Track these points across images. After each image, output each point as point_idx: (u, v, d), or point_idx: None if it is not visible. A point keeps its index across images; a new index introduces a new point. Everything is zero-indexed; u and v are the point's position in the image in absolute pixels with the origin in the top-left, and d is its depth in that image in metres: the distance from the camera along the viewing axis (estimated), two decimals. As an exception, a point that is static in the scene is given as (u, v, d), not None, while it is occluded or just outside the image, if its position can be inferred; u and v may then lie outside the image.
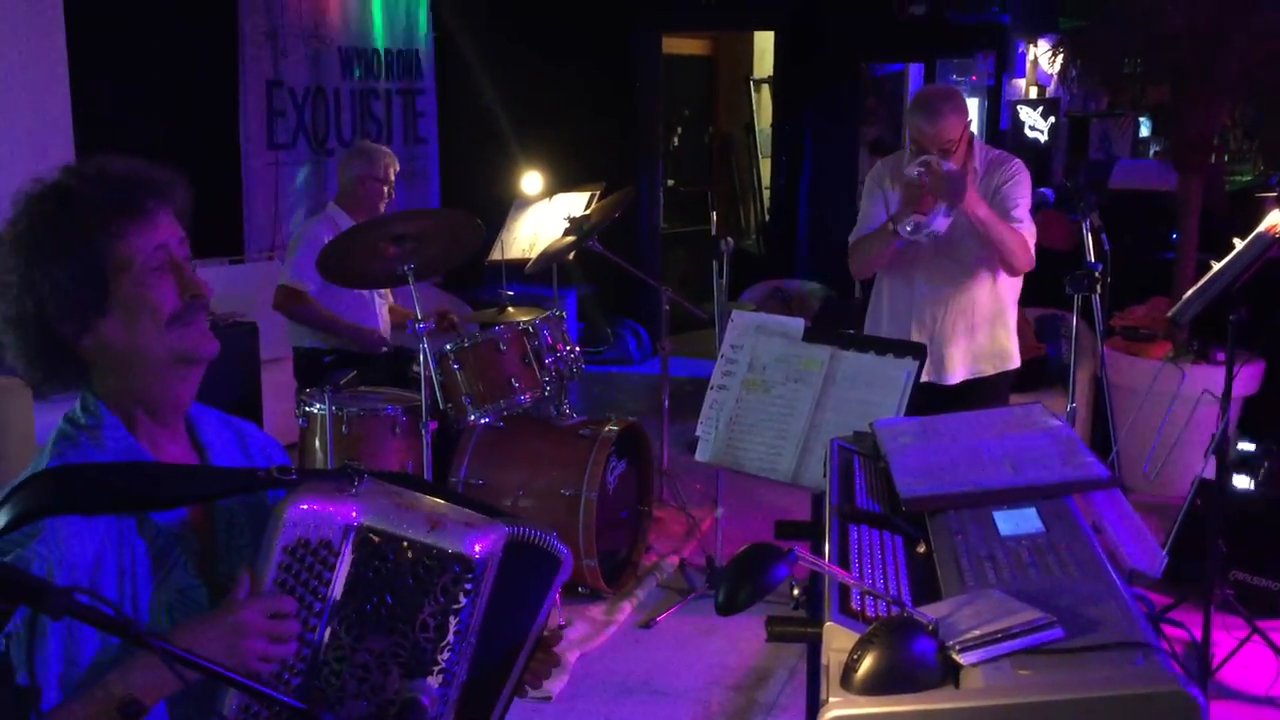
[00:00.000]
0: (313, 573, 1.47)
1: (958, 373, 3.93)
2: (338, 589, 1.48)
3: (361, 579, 1.48)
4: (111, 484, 1.46)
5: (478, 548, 1.50)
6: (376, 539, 1.48)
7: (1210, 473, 3.88)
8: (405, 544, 1.49)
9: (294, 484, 1.51)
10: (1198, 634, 3.52)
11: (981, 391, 3.91)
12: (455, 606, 1.50)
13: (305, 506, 1.46)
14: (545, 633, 1.76)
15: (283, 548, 1.46)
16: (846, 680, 1.34)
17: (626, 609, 4.38)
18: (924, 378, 3.83)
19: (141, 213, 1.52)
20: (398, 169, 4.95)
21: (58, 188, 1.52)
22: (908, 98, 8.97)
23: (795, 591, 1.53)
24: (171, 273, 1.54)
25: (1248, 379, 5.25)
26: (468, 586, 1.50)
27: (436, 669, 1.50)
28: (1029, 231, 3.86)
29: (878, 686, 1.31)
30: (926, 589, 1.60)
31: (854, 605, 1.50)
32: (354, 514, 1.48)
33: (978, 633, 1.35)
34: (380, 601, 1.49)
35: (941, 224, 3.64)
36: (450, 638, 1.50)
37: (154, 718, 1.45)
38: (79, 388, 1.57)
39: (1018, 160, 3.97)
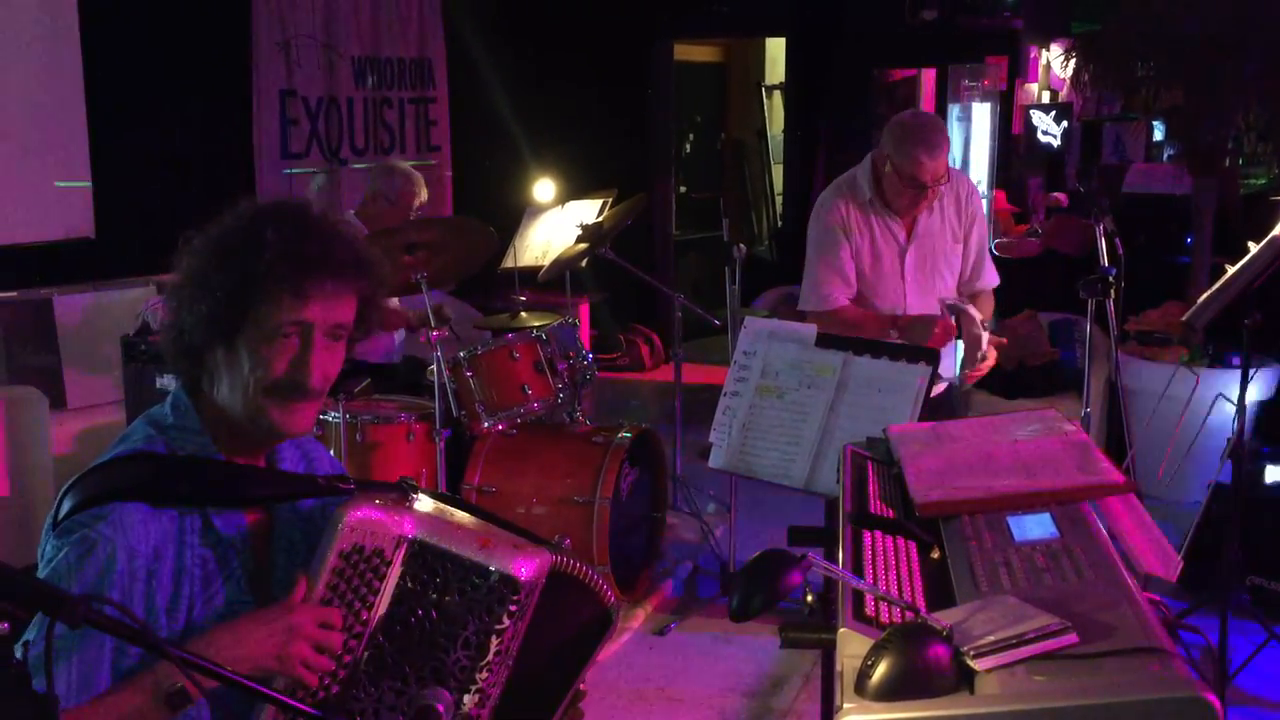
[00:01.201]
0: (363, 580, 1.50)
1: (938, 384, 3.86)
2: (385, 599, 1.51)
3: (409, 591, 1.51)
4: (180, 475, 1.52)
5: (524, 570, 1.53)
6: (427, 553, 1.51)
7: (1226, 477, 3.86)
8: (454, 560, 1.51)
9: (351, 493, 1.54)
10: (1214, 639, 3.50)
11: (952, 396, 3.86)
12: (498, 627, 1.52)
13: (363, 514, 1.49)
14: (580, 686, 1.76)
15: (339, 552, 1.48)
16: (861, 686, 1.33)
17: (640, 616, 4.38)
18: None
19: (299, 292, 1.56)
20: (424, 199, 4.93)
21: (255, 231, 1.57)
22: (919, 103, 8.96)
23: (809, 598, 1.52)
24: (298, 347, 1.57)
25: (1264, 383, 5.23)
26: (512, 608, 1.52)
27: (474, 687, 1.52)
28: (993, 272, 3.82)
29: (892, 692, 1.31)
30: (941, 594, 1.59)
31: (868, 611, 1.49)
32: (408, 526, 1.51)
33: (992, 638, 1.35)
34: (425, 615, 1.51)
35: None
36: (490, 657, 1.52)
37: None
38: (184, 377, 1.63)
39: (968, 178, 3.92)
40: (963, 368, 3.57)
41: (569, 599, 1.64)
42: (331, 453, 4.24)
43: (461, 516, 1.59)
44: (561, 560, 1.60)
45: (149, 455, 1.55)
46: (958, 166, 8.46)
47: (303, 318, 1.57)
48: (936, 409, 3.70)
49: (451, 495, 1.71)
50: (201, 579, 1.53)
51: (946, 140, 3.58)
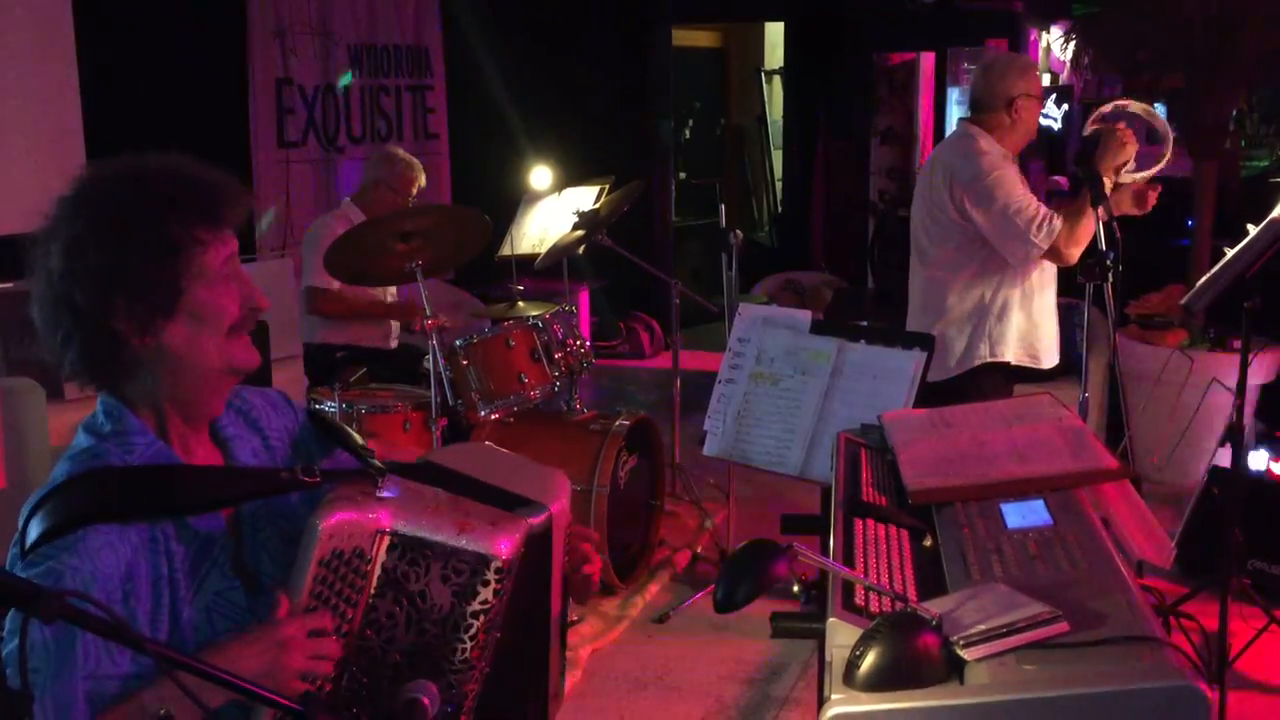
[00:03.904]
0: (346, 582, 1.48)
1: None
2: (369, 593, 1.49)
3: (392, 583, 1.50)
4: (145, 489, 1.46)
5: (504, 548, 1.52)
6: (406, 543, 1.50)
7: (1224, 460, 3.84)
8: (434, 547, 1.50)
9: (316, 485, 1.51)
10: (1213, 624, 3.49)
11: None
12: (484, 606, 1.51)
13: (338, 518, 1.46)
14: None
15: (319, 561, 1.46)
16: (849, 677, 1.32)
17: (639, 604, 4.37)
18: (1031, 363, 3.89)
19: (221, 223, 1.53)
20: (423, 184, 4.93)
21: (145, 187, 1.50)
22: (919, 86, 8.93)
23: (795, 589, 1.51)
24: (236, 283, 1.54)
25: (1265, 366, 5.20)
26: (496, 587, 1.51)
27: (464, 666, 1.52)
28: None
29: (881, 683, 1.30)
30: (932, 583, 1.58)
31: (857, 601, 1.48)
32: (385, 520, 1.49)
33: (982, 627, 1.34)
34: (410, 604, 1.50)
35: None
36: (477, 635, 1.52)
37: None
38: (105, 387, 1.55)
39: None
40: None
41: (542, 548, 1.62)
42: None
43: (435, 496, 1.56)
44: (536, 523, 1.58)
45: (106, 472, 1.48)
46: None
47: (230, 250, 1.54)
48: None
49: (420, 464, 1.66)
50: (184, 576, 1.49)
51: None
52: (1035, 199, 3.68)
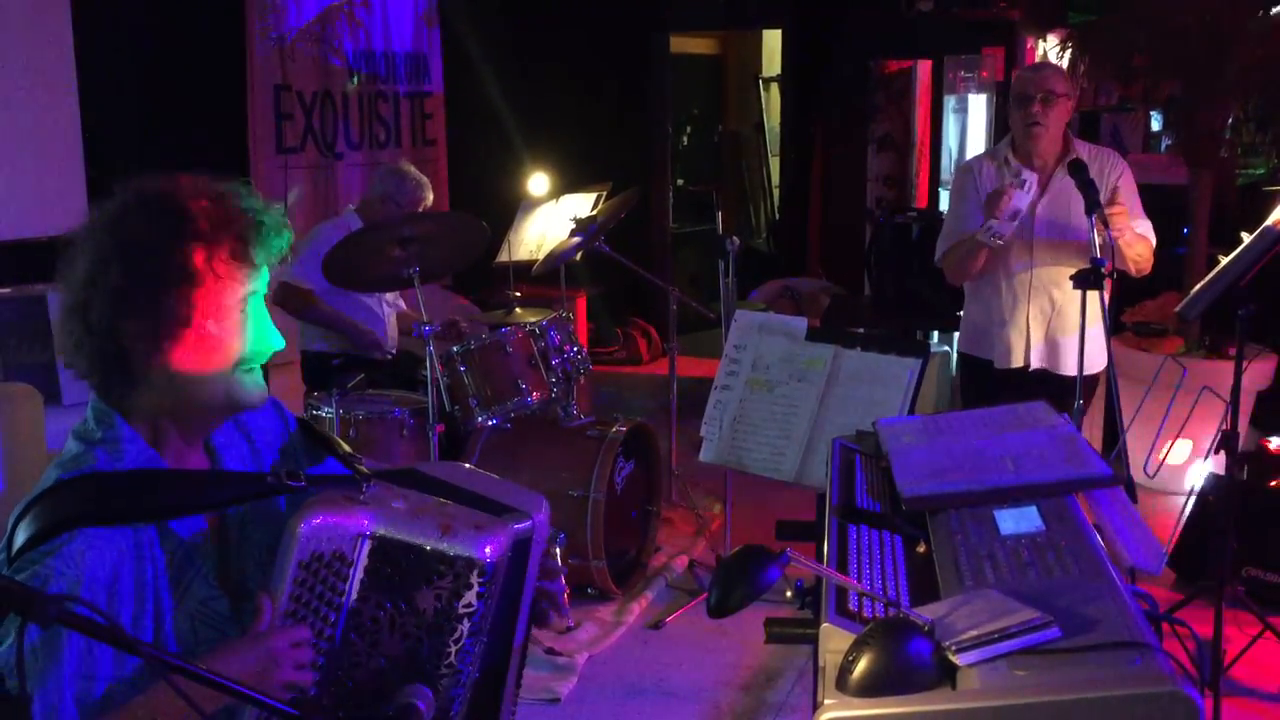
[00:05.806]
0: (327, 585, 1.48)
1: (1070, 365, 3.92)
2: (352, 598, 1.49)
3: (375, 586, 1.49)
4: (130, 493, 1.47)
5: (488, 550, 1.51)
6: (388, 546, 1.49)
7: (1219, 468, 3.85)
8: (416, 550, 1.49)
9: (301, 490, 1.51)
10: (1208, 631, 3.50)
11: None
12: (469, 610, 1.51)
13: (318, 521, 1.46)
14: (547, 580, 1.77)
15: (298, 563, 1.46)
16: (842, 682, 1.33)
17: (635, 610, 4.37)
18: (979, 354, 4.02)
19: (247, 261, 1.54)
20: (429, 204, 4.92)
21: (179, 215, 1.50)
22: (916, 94, 8.95)
23: (789, 594, 1.52)
24: (253, 320, 1.56)
25: (1260, 374, 5.22)
26: (480, 590, 1.51)
27: (451, 670, 1.51)
28: (1148, 229, 3.88)
29: (873, 688, 1.31)
30: (925, 589, 1.59)
31: (851, 606, 1.49)
32: (366, 523, 1.48)
33: (974, 633, 1.35)
34: (395, 608, 1.50)
35: (1006, 228, 3.68)
36: (465, 641, 1.51)
37: None
38: (108, 395, 1.55)
39: (1119, 157, 4.02)
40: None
41: (524, 554, 1.63)
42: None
43: (420, 500, 1.56)
44: (521, 527, 1.58)
45: (90, 476, 1.49)
46: (955, 157, 8.45)
47: (253, 288, 1.55)
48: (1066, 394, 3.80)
49: (406, 471, 1.66)
50: (168, 585, 1.49)
51: (1056, 71, 3.95)
52: (966, 216, 3.91)
